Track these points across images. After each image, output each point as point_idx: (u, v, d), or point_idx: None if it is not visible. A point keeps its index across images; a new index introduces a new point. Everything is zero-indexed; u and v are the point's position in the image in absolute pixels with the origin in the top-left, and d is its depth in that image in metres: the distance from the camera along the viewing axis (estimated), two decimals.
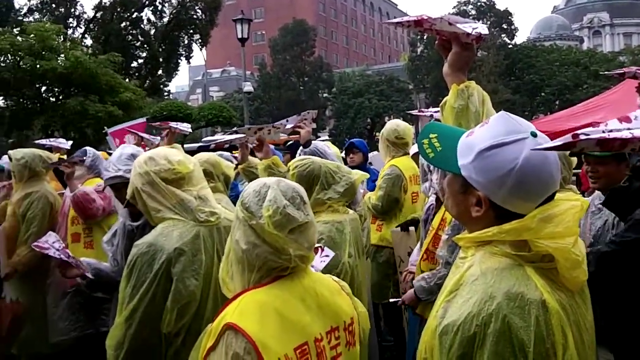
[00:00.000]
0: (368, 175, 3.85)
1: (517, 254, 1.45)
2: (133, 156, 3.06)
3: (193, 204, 2.52)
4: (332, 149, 4.46)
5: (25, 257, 5.05)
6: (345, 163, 5.41)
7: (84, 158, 5.02)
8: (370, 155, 6.89)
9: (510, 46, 48.30)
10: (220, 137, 7.61)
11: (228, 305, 1.75)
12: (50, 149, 6.28)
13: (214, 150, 5.68)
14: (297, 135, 4.72)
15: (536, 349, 1.34)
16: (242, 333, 1.63)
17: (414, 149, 5.22)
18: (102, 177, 4.75)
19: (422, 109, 6.01)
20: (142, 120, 6.99)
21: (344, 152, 5.98)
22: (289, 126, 4.62)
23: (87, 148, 5.23)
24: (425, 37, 47.87)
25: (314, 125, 5.00)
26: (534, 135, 1.45)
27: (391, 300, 3.94)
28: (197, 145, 8.88)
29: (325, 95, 55.10)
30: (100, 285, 3.20)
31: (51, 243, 3.16)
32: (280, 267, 1.78)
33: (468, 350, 1.36)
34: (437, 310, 1.48)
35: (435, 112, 5.10)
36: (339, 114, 52.19)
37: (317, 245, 2.37)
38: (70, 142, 6.90)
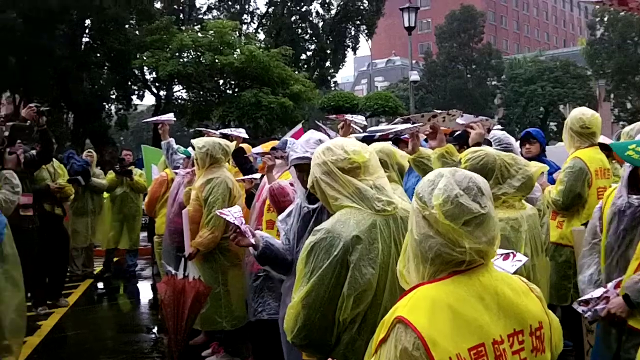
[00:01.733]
0: (547, 168, 3.64)
1: None
2: (320, 141, 3.14)
3: (369, 193, 2.54)
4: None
5: (207, 238, 5.41)
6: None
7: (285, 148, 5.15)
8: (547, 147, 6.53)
9: None
10: (385, 127, 7.62)
11: (402, 298, 1.72)
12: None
13: (378, 140, 5.70)
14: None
15: None
16: (412, 328, 1.59)
17: (602, 139, 4.88)
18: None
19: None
20: (299, 127, 7.23)
21: (519, 142, 5.74)
22: (460, 121, 4.48)
23: (289, 139, 5.35)
24: (606, 18, 44.72)
25: (494, 125, 4.74)
26: None
27: (578, 308, 3.30)
28: (362, 135, 8.93)
29: (494, 83, 53.32)
30: (270, 260, 3.30)
31: (232, 212, 3.33)
32: (455, 260, 1.71)
33: None
34: None
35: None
36: (509, 103, 50.30)
37: (510, 251, 2.29)
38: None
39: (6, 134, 5.59)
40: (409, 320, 1.61)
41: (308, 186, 2.74)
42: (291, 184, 4.64)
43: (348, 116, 5.59)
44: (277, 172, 5.05)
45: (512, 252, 2.36)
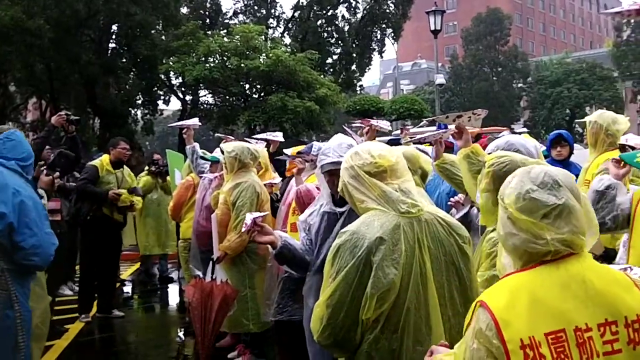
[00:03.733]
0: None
1: None
2: (351, 146, 3.20)
3: (394, 196, 2.58)
4: (531, 143, 4.28)
5: (235, 242, 5.46)
6: (546, 157, 5.16)
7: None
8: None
9: None
10: (411, 130, 7.68)
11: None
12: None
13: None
14: None
15: None
16: (488, 310, 1.69)
17: (631, 138, 4.84)
18: None
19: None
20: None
21: (548, 144, 5.68)
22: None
23: (315, 143, 5.44)
24: (632, 20, 44.11)
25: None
26: None
27: None
28: (387, 138, 8.97)
29: (520, 85, 52.96)
30: (287, 259, 3.43)
31: (254, 216, 3.41)
32: (540, 252, 1.77)
33: None
34: None
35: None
36: (535, 105, 49.95)
37: (627, 265, 2.29)
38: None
39: (52, 158, 5.69)
40: (486, 303, 1.71)
41: (339, 189, 2.80)
42: (318, 188, 4.70)
43: (373, 121, 5.64)
44: (303, 176, 5.11)
45: (630, 267, 2.35)
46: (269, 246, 3.42)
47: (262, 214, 3.60)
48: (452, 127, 4.39)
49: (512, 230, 1.80)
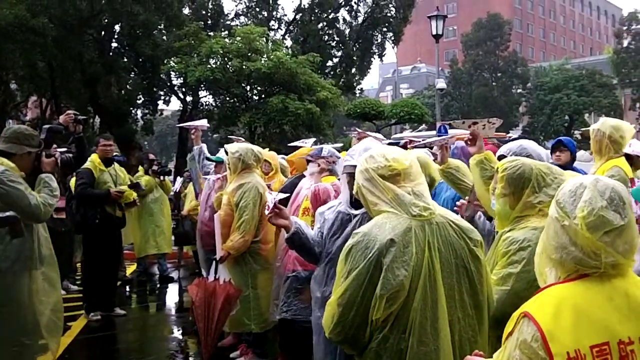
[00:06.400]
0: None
1: None
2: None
3: (407, 199, 2.63)
4: (542, 149, 4.34)
5: (238, 242, 5.51)
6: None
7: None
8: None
9: None
10: (409, 134, 7.87)
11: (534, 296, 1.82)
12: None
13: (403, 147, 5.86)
14: None
15: None
16: (534, 322, 1.69)
17: (634, 144, 4.91)
18: (337, 175, 5.16)
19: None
20: None
21: (550, 150, 5.77)
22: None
23: (324, 146, 5.58)
24: (633, 27, 44.31)
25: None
26: None
27: None
28: (387, 141, 9.07)
29: (519, 91, 52.99)
30: (297, 245, 3.63)
31: (275, 197, 3.60)
32: (590, 269, 1.78)
33: None
34: None
35: None
36: (534, 111, 49.96)
37: None
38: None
39: (42, 136, 5.71)
40: (532, 315, 1.72)
41: (354, 191, 2.88)
42: (335, 190, 4.82)
43: (369, 133, 5.79)
44: (321, 176, 5.22)
45: None
46: (283, 229, 3.63)
47: (283, 195, 3.72)
48: (455, 132, 4.46)
49: (567, 243, 1.80)
